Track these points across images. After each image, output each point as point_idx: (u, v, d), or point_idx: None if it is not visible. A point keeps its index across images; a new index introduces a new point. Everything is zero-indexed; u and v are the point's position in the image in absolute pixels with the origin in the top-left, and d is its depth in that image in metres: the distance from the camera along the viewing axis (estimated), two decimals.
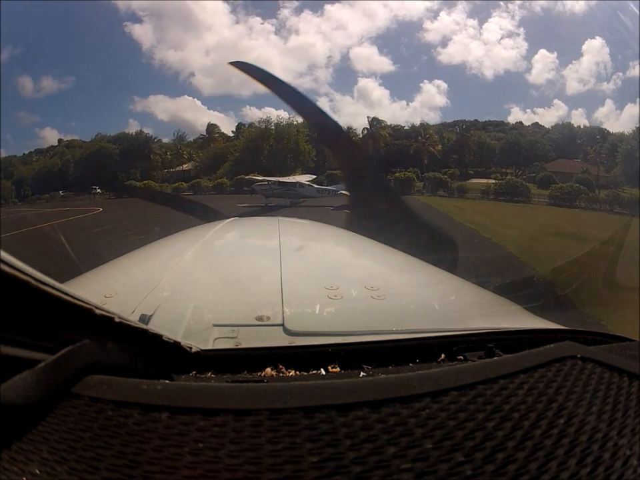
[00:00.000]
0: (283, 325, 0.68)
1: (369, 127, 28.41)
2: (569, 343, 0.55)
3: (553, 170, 21.36)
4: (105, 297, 0.79)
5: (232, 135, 31.62)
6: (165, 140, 31.54)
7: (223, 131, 31.88)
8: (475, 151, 26.63)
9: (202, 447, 0.35)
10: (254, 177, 19.17)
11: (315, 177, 21.38)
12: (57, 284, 0.36)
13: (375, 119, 28.65)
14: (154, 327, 0.53)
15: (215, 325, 0.66)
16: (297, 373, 0.56)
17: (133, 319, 0.51)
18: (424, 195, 20.77)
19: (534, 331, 0.68)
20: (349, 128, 28.87)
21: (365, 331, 0.66)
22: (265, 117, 27.73)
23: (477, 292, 1.09)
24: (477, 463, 0.35)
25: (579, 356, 0.50)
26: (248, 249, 1.29)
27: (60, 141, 32.61)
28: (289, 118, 26.98)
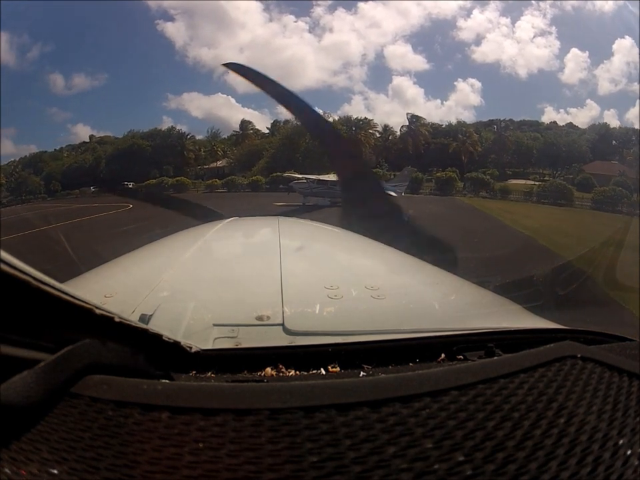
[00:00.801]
0: (282, 324, 0.67)
1: (407, 124, 27.85)
2: (569, 342, 0.55)
3: (591, 172, 20.71)
4: (105, 296, 0.79)
5: (267, 131, 31.06)
6: (199, 137, 31.13)
7: (257, 127, 31.31)
8: (513, 151, 25.93)
9: (202, 447, 0.35)
10: (292, 175, 18.31)
11: None
12: (56, 284, 0.36)
13: (414, 116, 28.06)
14: (154, 326, 0.53)
15: (214, 325, 0.66)
16: (297, 372, 0.56)
17: (133, 318, 0.51)
18: (466, 196, 19.98)
19: (534, 330, 0.68)
20: (386, 126, 28.49)
21: (364, 330, 0.66)
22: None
23: (477, 291, 1.09)
24: (477, 462, 0.35)
25: (579, 355, 0.50)
26: (248, 249, 1.29)
27: (92, 137, 32.47)
28: (324, 114, 26.16)
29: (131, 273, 1.10)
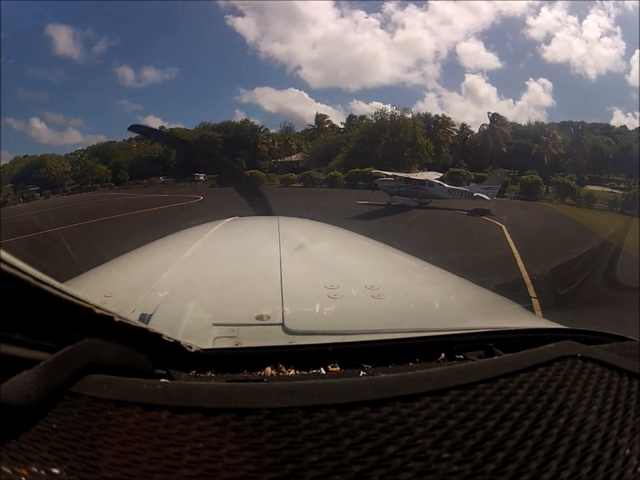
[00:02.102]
0: (282, 324, 0.67)
1: (488, 123, 27.04)
2: (569, 342, 0.55)
3: None
4: (105, 296, 0.79)
5: (342, 126, 30.56)
6: (272, 131, 30.99)
7: (333, 122, 30.90)
8: (589, 155, 24.76)
9: (202, 447, 0.35)
10: (381, 172, 17.03)
11: (441, 174, 19.05)
12: (56, 283, 0.36)
13: (495, 114, 27.30)
14: (154, 326, 0.53)
15: (214, 324, 0.66)
16: (297, 372, 0.56)
17: (133, 318, 0.51)
18: (551, 202, 18.46)
19: (534, 330, 0.68)
20: (463, 125, 27.91)
21: (364, 330, 0.66)
22: (380, 108, 26.26)
23: (477, 291, 1.09)
24: (477, 462, 0.35)
25: (579, 355, 0.50)
26: (248, 248, 1.29)
27: (162, 128, 32.77)
28: (404, 110, 25.70)
29: (130, 272, 1.10)
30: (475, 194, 14.90)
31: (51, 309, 0.37)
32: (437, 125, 27.60)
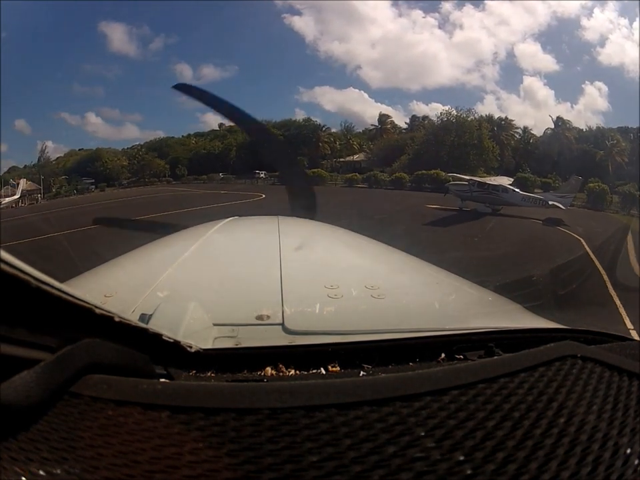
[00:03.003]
0: (282, 324, 0.67)
1: (552, 127, 26.23)
2: (569, 342, 0.55)
3: None
4: (105, 296, 0.78)
5: (405, 126, 30.01)
6: (333, 130, 30.66)
7: (395, 122, 30.36)
8: None
9: (202, 446, 0.35)
10: (456, 175, 16.23)
11: (512, 179, 17.73)
12: (56, 283, 0.36)
13: (559, 118, 26.49)
14: (154, 326, 0.53)
15: (214, 324, 0.66)
16: (297, 372, 0.56)
17: (133, 318, 0.51)
18: (618, 213, 16.70)
19: (534, 330, 0.68)
20: (525, 128, 26.98)
21: (364, 330, 0.66)
22: (446, 109, 25.50)
23: (477, 291, 1.09)
24: (477, 462, 0.35)
25: (579, 355, 0.50)
26: (248, 248, 1.29)
27: (221, 125, 32.99)
28: (468, 111, 25.06)
29: (130, 272, 1.10)
30: (551, 202, 13.81)
31: (51, 309, 0.37)
32: (500, 128, 26.73)
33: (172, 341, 0.52)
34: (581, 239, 10.10)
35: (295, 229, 1.59)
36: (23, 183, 28.60)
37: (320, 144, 29.24)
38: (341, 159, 29.28)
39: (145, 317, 0.63)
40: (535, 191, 17.38)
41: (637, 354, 0.53)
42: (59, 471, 0.34)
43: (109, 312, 0.42)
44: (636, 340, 0.63)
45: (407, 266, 1.23)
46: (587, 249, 9.01)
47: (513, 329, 0.67)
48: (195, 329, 0.63)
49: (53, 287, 0.35)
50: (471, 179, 15.33)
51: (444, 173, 19.25)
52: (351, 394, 0.40)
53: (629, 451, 0.38)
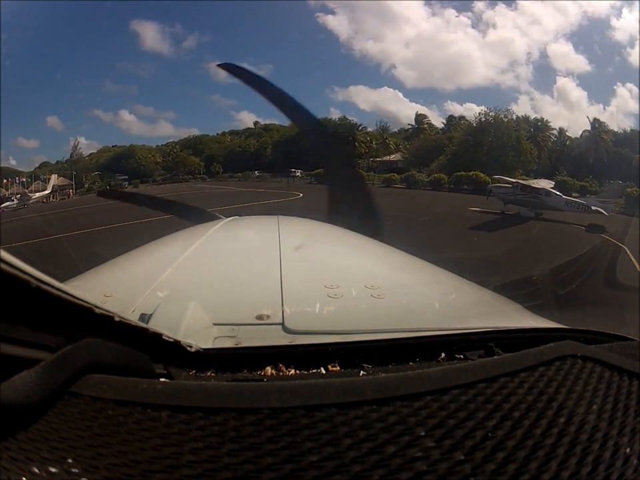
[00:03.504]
0: (282, 323, 0.67)
1: (589, 130, 25.63)
2: (569, 342, 0.55)
3: None
4: (105, 296, 0.78)
5: (441, 126, 29.92)
6: (369, 129, 30.86)
7: (432, 122, 30.09)
8: None
9: (202, 446, 0.35)
10: (502, 178, 15.72)
11: (553, 182, 17.18)
12: (56, 283, 0.36)
13: (596, 120, 25.91)
14: (154, 325, 0.53)
15: (214, 324, 0.66)
16: (297, 371, 0.56)
17: (133, 318, 0.51)
18: None
19: (534, 329, 0.68)
20: (561, 129, 26.54)
21: (364, 329, 0.66)
22: (483, 110, 25.15)
23: (477, 291, 1.09)
24: (477, 462, 0.35)
25: (579, 355, 0.50)
26: (247, 248, 1.29)
27: (256, 123, 33.55)
28: (507, 111, 24.54)
29: (130, 272, 1.10)
30: (594, 208, 13.37)
31: (51, 308, 0.37)
32: (536, 129, 26.13)
33: (172, 340, 0.52)
34: (625, 247, 9.56)
35: (295, 229, 1.59)
36: (54, 179, 28.98)
37: (356, 143, 28.90)
38: (378, 159, 28.91)
39: (144, 317, 0.63)
40: (573, 195, 16.97)
41: (637, 354, 0.54)
42: (58, 471, 0.34)
43: (108, 312, 0.42)
44: (636, 340, 0.63)
45: (407, 266, 1.23)
46: (632, 258, 8.60)
47: (513, 328, 0.67)
48: (195, 328, 0.63)
49: (52, 286, 0.35)
50: (517, 182, 14.76)
51: (483, 175, 18.85)
52: (351, 394, 0.40)
53: (628, 451, 0.38)
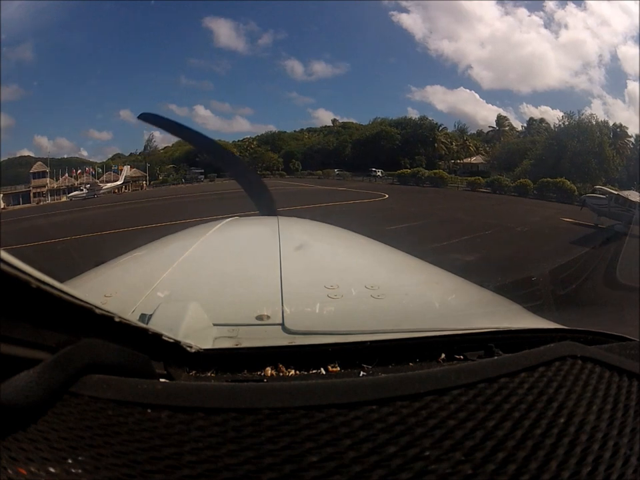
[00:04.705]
0: (282, 324, 0.67)
1: None
2: (569, 342, 0.55)
3: None
4: (105, 296, 0.79)
5: (520, 129, 28.85)
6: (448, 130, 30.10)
7: (513, 125, 29.04)
8: None
9: (202, 447, 0.35)
10: (602, 188, 14.40)
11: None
12: (57, 283, 0.36)
13: None
14: (154, 326, 0.53)
15: (214, 325, 0.66)
16: (297, 372, 0.56)
17: (133, 318, 0.51)
18: None
19: (534, 330, 0.68)
20: (638, 135, 24.87)
21: (364, 330, 0.66)
22: (567, 112, 23.93)
23: (477, 291, 1.09)
24: (477, 462, 0.35)
25: (579, 355, 0.50)
26: (247, 248, 1.29)
27: (334, 121, 33.44)
28: (591, 115, 23.35)
29: (130, 272, 1.10)
30: None
31: (51, 309, 0.37)
32: (615, 135, 24.71)
33: (172, 341, 0.52)
34: None
35: (295, 229, 1.59)
36: (127, 170, 29.02)
37: (436, 144, 28.24)
38: (458, 161, 28.08)
39: (144, 317, 0.63)
40: None
41: (637, 354, 0.54)
42: (58, 471, 0.34)
43: (109, 312, 0.42)
44: (636, 340, 0.63)
45: (407, 266, 1.23)
46: None
47: (513, 329, 0.67)
48: (195, 329, 0.63)
49: (53, 287, 0.35)
50: (618, 194, 13.20)
51: (569, 182, 17.98)
52: (351, 394, 0.40)
53: (629, 451, 0.38)
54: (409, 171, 24.89)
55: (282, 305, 0.73)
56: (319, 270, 0.99)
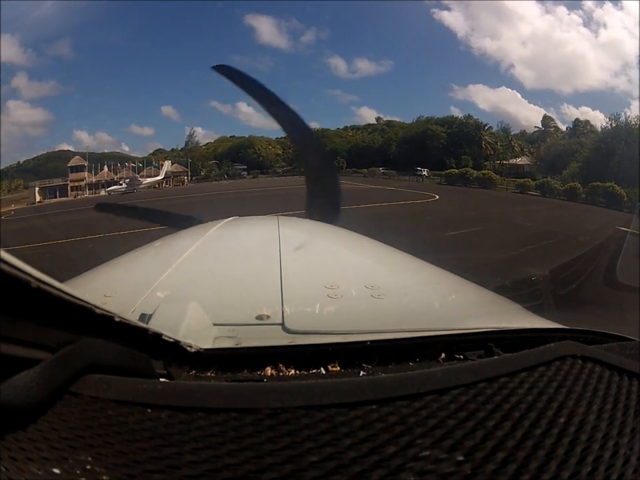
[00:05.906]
0: (282, 324, 0.67)
1: None
2: (569, 342, 0.55)
3: None
4: (105, 296, 0.79)
5: (566, 130, 28.14)
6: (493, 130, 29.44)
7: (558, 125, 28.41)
8: None
9: (202, 446, 0.35)
10: None
11: None
12: (57, 283, 0.36)
13: None
14: (154, 326, 0.53)
15: (214, 324, 0.66)
16: (297, 372, 0.56)
17: (133, 318, 0.51)
18: None
19: (534, 330, 0.68)
20: None
21: (364, 330, 0.66)
22: (613, 114, 23.16)
23: (477, 291, 1.09)
24: (477, 462, 0.35)
25: (579, 355, 0.50)
26: (247, 248, 1.29)
27: (378, 119, 33.58)
28: (637, 117, 22.60)
29: (130, 272, 1.10)
30: None
31: (51, 309, 0.37)
32: None
33: (172, 341, 0.52)
34: None
35: (295, 229, 1.59)
36: (168, 165, 28.98)
37: (482, 144, 27.68)
38: (504, 162, 27.26)
39: (144, 317, 0.63)
40: None
41: (637, 354, 0.54)
42: (58, 471, 0.34)
43: (109, 312, 0.42)
44: (636, 340, 0.63)
45: (407, 266, 1.23)
46: None
47: (513, 329, 0.67)
48: (195, 329, 0.63)
49: (53, 287, 0.35)
50: None
51: (618, 187, 17.51)
52: (351, 394, 0.40)
53: (629, 451, 0.38)
54: (457, 171, 24.13)
55: (282, 305, 0.73)
56: (319, 270, 0.99)
